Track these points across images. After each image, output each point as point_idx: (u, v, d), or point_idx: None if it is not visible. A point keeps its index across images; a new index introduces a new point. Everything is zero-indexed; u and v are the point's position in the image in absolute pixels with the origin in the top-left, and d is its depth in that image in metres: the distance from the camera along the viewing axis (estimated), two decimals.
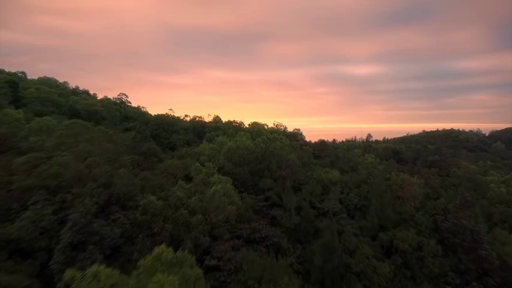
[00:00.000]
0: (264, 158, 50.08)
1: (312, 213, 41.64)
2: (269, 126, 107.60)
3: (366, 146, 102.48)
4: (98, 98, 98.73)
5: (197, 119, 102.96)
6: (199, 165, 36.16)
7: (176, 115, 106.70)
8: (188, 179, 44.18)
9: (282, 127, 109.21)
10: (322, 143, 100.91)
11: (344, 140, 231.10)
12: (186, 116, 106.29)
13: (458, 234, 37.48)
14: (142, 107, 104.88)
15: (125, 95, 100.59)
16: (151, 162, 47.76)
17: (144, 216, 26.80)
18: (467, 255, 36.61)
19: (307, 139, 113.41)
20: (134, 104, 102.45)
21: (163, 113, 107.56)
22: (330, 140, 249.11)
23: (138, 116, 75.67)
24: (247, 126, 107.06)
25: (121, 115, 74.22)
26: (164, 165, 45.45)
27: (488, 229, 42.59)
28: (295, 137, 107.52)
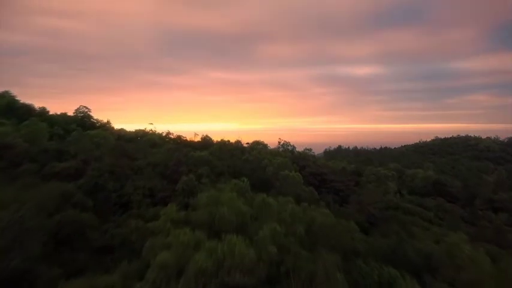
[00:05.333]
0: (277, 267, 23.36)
1: None
2: (272, 147, 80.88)
3: (399, 172, 75.67)
4: (51, 113, 71.89)
5: (181, 138, 76.27)
6: None
7: (157, 131, 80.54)
8: None
9: (289, 146, 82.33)
10: (342, 171, 73.87)
11: (354, 146, 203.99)
12: (169, 134, 79.66)
13: None
14: (109, 123, 78.25)
15: (86, 107, 73.96)
16: None
17: None
18: None
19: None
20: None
21: (143, 128, 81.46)
22: (335, 143, 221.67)
23: (86, 146, 48.21)
24: (246, 145, 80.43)
25: (57, 147, 47.04)
26: None
27: None
28: (305, 159, 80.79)
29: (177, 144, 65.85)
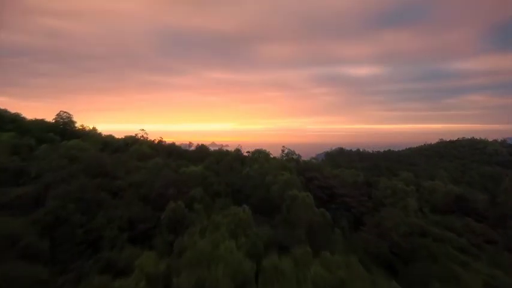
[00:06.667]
0: None
1: None
2: (275, 155, 72.37)
3: (415, 184, 67.31)
4: (28, 120, 63.05)
5: (174, 146, 67.63)
6: None
7: (148, 137, 71.83)
8: None
9: (294, 155, 73.81)
10: (354, 185, 65.30)
11: (357, 148, 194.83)
12: (161, 141, 70.97)
13: None
14: (94, 130, 69.48)
15: (67, 112, 64.98)
16: None
17: None
18: None
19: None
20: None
21: (135, 133, 72.78)
22: (335, 144, 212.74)
23: (54, 163, 39.30)
24: (247, 153, 72.02)
25: (18, 165, 38.26)
26: None
27: None
28: (312, 169, 72.35)
29: (169, 154, 57.23)
